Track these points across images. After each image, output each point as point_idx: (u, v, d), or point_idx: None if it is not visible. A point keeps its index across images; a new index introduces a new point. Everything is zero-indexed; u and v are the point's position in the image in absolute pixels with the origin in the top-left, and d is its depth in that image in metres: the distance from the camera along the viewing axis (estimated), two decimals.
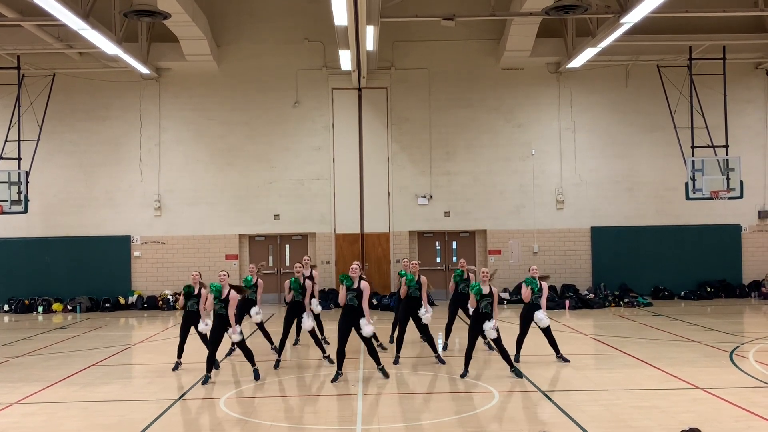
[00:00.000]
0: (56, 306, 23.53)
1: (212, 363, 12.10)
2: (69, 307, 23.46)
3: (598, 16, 19.86)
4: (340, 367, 12.11)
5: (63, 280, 23.94)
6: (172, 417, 10.01)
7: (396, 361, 13.36)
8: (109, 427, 9.47)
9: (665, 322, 18.72)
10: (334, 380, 11.99)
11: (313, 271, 15.06)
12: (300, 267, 14.07)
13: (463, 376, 12.07)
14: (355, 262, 12.54)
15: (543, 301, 13.15)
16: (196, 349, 13.92)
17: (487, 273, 12.16)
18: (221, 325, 11.96)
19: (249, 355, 12.25)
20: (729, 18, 22.13)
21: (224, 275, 12.20)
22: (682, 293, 24.20)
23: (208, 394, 11.39)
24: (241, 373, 13.09)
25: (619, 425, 9.07)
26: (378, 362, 12.18)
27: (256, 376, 12.17)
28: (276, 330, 14.93)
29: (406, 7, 21.80)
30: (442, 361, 13.33)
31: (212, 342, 12.07)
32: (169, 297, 23.70)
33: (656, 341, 15.58)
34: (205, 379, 12.02)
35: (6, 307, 23.59)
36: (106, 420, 9.82)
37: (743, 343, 15.01)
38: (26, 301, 23.57)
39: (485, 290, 12.04)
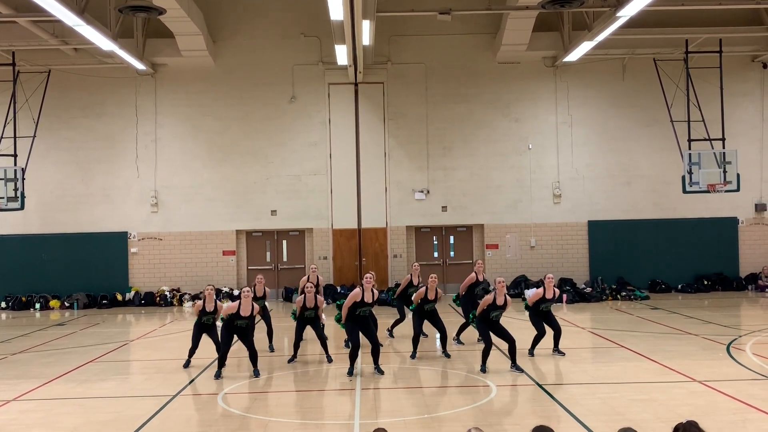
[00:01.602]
0: (53, 303, 23.50)
1: (224, 359, 12.12)
2: (66, 304, 23.43)
3: (595, 10, 19.84)
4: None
5: (60, 277, 23.90)
6: (169, 413, 10.00)
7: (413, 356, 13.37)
8: (106, 424, 9.46)
9: (662, 315, 18.75)
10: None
11: (319, 277, 15.26)
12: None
13: (518, 369, 11.98)
14: (370, 273, 12.70)
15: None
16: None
17: (503, 283, 12.18)
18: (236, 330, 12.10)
19: (223, 359, 12.16)
20: (725, 11, 22.12)
21: (248, 291, 12.31)
22: (679, 286, 24.23)
23: (206, 390, 11.38)
24: (239, 369, 13.08)
25: (617, 418, 9.08)
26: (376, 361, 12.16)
27: (216, 376, 12.05)
28: (280, 326, 14.92)
29: (402, 1, 21.79)
30: (447, 355, 13.46)
31: (224, 341, 12.15)
32: (167, 293, 23.67)
33: (653, 334, 15.59)
34: (217, 375, 12.01)
35: (3, 304, 23.54)
36: (104, 417, 9.82)
37: (740, 336, 15.03)
38: (23, 298, 23.53)
39: (500, 301, 11.98)
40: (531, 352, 13.16)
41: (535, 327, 13.27)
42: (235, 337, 12.27)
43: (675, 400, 9.91)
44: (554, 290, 13.24)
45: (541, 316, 13.28)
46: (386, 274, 24.11)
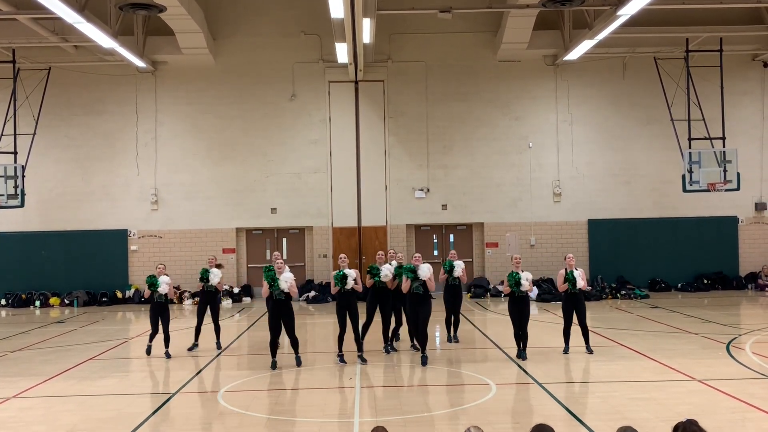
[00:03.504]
0: (53, 300, 23.51)
1: (275, 348, 12.42)
2: (66, 302, 23.45)
3: (595, 8, 19.84)
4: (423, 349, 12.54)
5: (60, 275, 23.91)
6: (169, 410, 10.00)
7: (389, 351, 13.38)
8: (106, 421, 9.46)
9: (662, 314, 18.75)
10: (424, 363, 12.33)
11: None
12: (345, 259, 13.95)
13: (519, 356, 12.66)
14: (416, 254, 13.15)
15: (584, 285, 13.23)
16: (187, 343, 13.93)
17: (519, 259, 12.98)
18: (279, 310, 12.29)
19: (274, 347, 12.49)
20: (726, 10, 22.10)
21: (278, 257, 12.85)
22: (679, 285, 24.24)
23: (207, 388, 11.39)
24: (239, 366, 13.10)
25: (616, 417, 9.08)
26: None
27: (272, 366, 12.35)
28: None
29: None
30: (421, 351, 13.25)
31: (271, 328, 12.41)
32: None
33: (653, 333, 15.60)
34: (273, 365, 12.30)
35: (3, 302, 23.56)
36: (104, 414, 9.81)
37: (740, 335, 15.03)
38: (23, 296, 23.54)
39: (524, 281, 12.60)
40: (566, 350, 13.18)
41: (564, 318, 13.31)
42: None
43: (674, 398, 9.90)
44: (577, 270, 13.12)
45: (571, 302, 13.15)
46: None
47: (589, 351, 13.15)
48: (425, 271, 12.47)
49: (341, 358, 12.75)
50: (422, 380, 11.83)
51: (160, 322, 13.61)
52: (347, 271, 12.66)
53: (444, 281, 14.66)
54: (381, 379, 11.74)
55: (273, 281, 12.26)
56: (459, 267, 14.44)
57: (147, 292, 13.82)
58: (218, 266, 14.65)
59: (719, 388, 10.37)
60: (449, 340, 14.79)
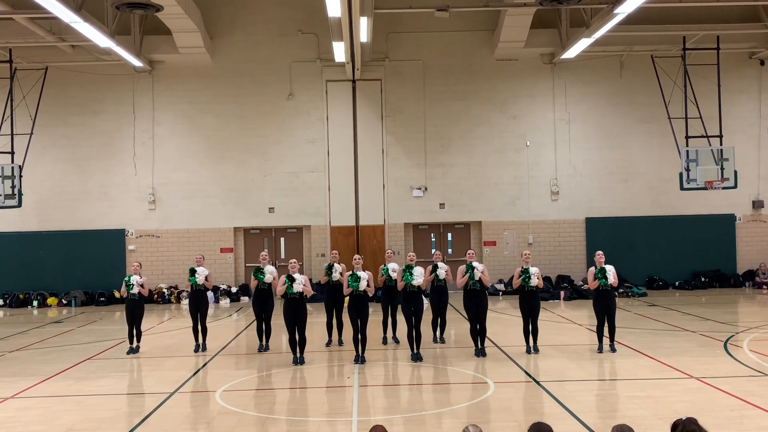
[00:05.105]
0: (51, 300, 23.49)
1: (295, 345, 12.67)
2: (64, 301, 23.43)
3: (592, 7, 19.85)
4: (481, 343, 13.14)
5: (58, 275, 23.90)
6: (167, 410, 9.99)
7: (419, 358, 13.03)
8: (104, 421, 9.45)
9: (660, 312, 18.78)
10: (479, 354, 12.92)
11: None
12: (359, 260, 13.68)
13: (534, 350, 13.20)
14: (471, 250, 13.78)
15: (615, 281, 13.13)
16: (182, 343, 13.92)
17: (528, 255, 13.53)
18: (293, 308, 12.52)
19: (292, 345, 12.72)
20: (722, 7, 22.15)
21: (294, 263, 13.03)
22: (677, 283, 24.27)
23: (204, 387, 11.39)
24: (237, 366, 13.09)
25: (614, 415, 9.10)
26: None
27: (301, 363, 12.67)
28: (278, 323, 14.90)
29: None
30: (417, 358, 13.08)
31: (287, 327, 12.65)
32: (165, 290, 23.68)
33: (651, 331, 15.62)
34: (295, 360, 12.64)
35: (0, 302, 23.54)
36: (102, 414, 9.81)
37: (737, 333, 15.05)
38: (21, 296, 23.52)
39: (532, 278, 13.15)
40: (601, 348, 13.12)
41: (596, 316, 13.27)
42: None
43: (672, 396, 9.92)
44: (610, 270, 13.01)
45: (603, 299, 13.08)
46: None
47: (613, 349, 13.10)
48: (480, 268, 13.05)
49: (358, 359, 12.72)
50: (420, 379, 11.83)
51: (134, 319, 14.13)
52: (361, 273, 12.69)
53: (431, 282, 14.44)
54: (379, 378, 11.74)
55: (289, 280, 12.49)
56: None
57: (124, 291, 14.18)
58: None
59: (717, 385, 10.39)
60: (435, 340, 14.73)
